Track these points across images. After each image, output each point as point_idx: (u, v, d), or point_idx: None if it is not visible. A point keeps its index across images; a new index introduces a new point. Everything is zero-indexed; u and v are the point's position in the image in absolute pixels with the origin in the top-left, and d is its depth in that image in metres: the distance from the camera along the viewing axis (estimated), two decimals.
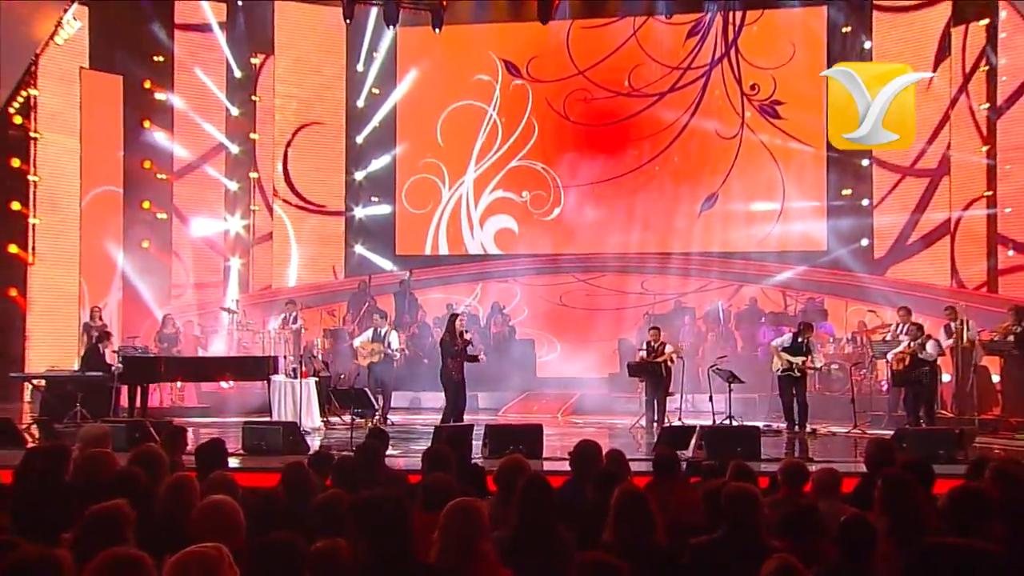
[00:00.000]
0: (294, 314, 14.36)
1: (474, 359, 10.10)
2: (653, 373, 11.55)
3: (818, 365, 11.26)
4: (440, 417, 9.87)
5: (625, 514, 3.59)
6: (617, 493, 3.71)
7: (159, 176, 15.06)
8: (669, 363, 11.58)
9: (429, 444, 7.18)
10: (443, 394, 14.38)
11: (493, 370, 14.65)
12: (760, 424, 10.62)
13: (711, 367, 11.58)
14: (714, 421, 10.86)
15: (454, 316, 10.20)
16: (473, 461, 6.21)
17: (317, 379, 11.83)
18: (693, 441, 8.68)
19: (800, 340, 11.05)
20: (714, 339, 15.04)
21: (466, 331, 10.12)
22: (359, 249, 17.44)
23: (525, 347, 15.73)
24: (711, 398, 11.20)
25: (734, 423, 10.71)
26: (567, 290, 17.33)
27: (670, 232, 16.78)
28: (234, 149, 15.88)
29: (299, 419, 10.65)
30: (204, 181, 15.63)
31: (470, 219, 17.46)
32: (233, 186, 15.86)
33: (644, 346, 11.99)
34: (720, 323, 15.10)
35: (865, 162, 14.67)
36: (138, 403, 11.23)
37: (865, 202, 15.00)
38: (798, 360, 11.01)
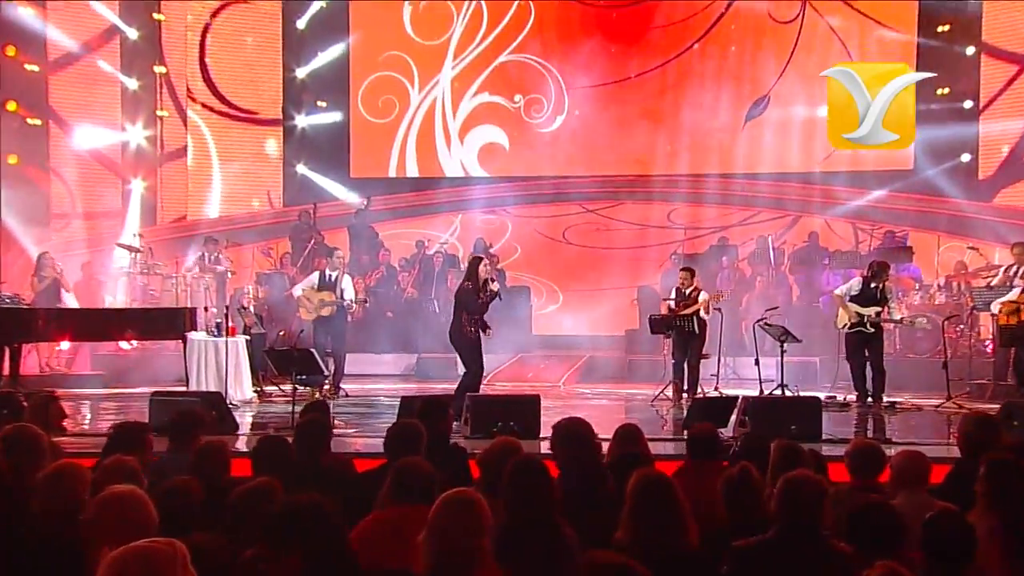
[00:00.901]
0: (217, 254, 14.49)
1: (486, 327, 10.17)
2: (683, 329, 11.69)
3: (897, 317, 11.32)
4: (458, 386, 10.01)
5: (645, 507, 3.60)
6: (634, 480, 3.73)
7: (28, 68, 14.26)
8: (703, 316, 11.74)
9: (395, 419, 7.32)
10: (416, 358, 14.86)
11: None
12: (822, 395, 10.71)
13: (758, 322, 11.75)
14: (761, 391, 11.01)
15: (477, 259, 10.16)
16: (452, 441, 6.25)
17: (248, 338, 11.98)
18: (734, 417, 8.82)
19: (873, 286, 11.09)
20: (762, 286, 15.08)
21: (493, 279, 10.16)
22: (302, 170, 17.50)
23: (518, 297, 15.96)
24: (757, 362, 11.36)
25: (787, 393, 10.86)
26: (572, 223, 17.40)
27: (706, 147, 16.76)
28: (132, 34, 15.44)
29: (225, 389, 10.70)
30: (92, 76, 14.99)
31: (447, 131, 17.48)
32: (132, 84, 15.49)
33: (671, 294, 12.16)
34: (770, 265, 15.34)
35: (970, 50, 14.44)
36: (6, 369, 11.15)
37: (968, 104, 14.82)
38: (870, 311, 11.08)
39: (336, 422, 9.34)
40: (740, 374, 13.09)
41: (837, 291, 11.51)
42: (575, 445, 4.82)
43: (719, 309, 12.04)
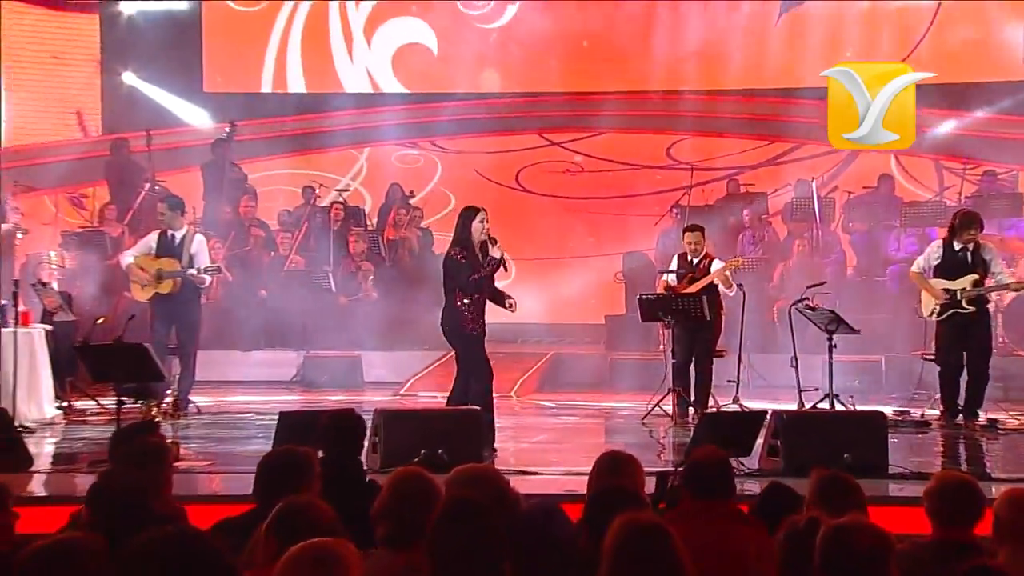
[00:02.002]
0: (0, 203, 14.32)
1: (501, 300, 10.17)
2: (689, 315, 11.79)
3: (1009, 281, 11.55)
4: (449, 396, 10.28)
5: (628, 567, 3.71)
6: (615, 529, 3.83)
7: None
8: (720, 293, 12.07)
9: (271, 445, 7.48)
10: (300, 358, 15.06)
11: (391, 311, 15.03)
12: (889, 410, 10.90)
13: (797, 303, 11.87)
14: (801, 404, 11.21)
15: (470, 213, 9.98)
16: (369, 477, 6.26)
17: (50, 328, 11.98)
18: (761, 441, 8.97)
19: (959, 247, 11.31)
20: (803, 252, 15.40)
21: (494, 241, 10.07)
22: (130, 80, 17.44)
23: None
24: (795, 361, 11.51)
25: (839, 407, 11.01)
26: (529, 162, 17.62)
27: (724, 52, 16.87)
28: None
29: (12, 404, 10.54)
30: None
31: (346, 27, 17.63)
32: None
33: (672, 265, 12.39)
34: (815, 221, 15.55)
35: None
36: None
37: None
38: (963, 283, 11.25)
39: (182, 451, 9.40)
40: (770, 379, 13.27)
41: (914, 267, 11.76)
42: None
43: (741, 286, 12.08)
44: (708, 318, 11.77)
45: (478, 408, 9.63)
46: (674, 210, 16.10)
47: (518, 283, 16.01)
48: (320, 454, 5.63)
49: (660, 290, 12.38)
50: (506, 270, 10.31)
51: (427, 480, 4.60)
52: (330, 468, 5.56)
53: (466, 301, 10.00)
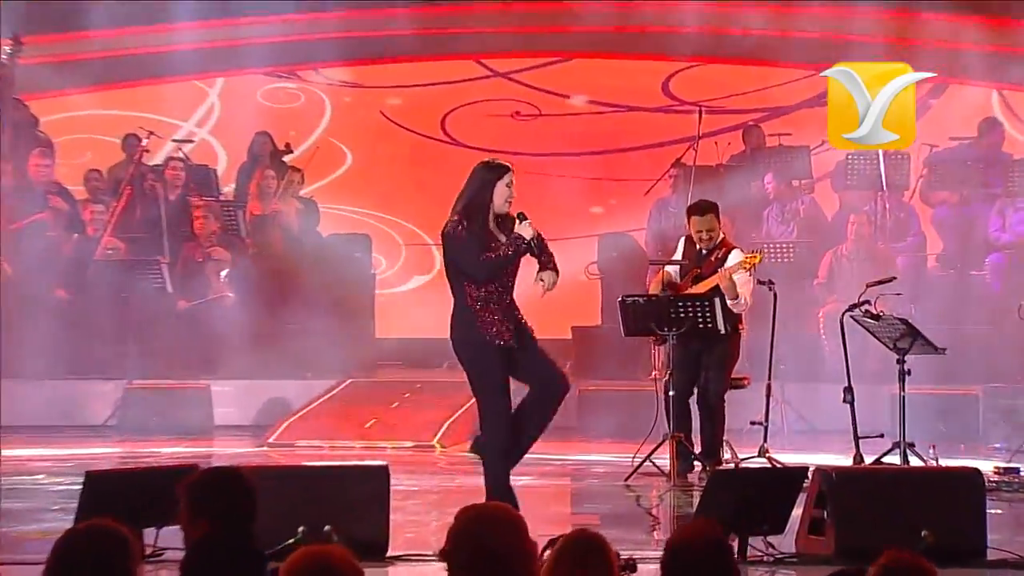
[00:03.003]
0: None
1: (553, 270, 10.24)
2: (695, 324, 11.92)
3: None
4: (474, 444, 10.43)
5: None
6: None
7: None
8: (740, 299, 12.07)
9: (74, 518, 7.65)
10: (120, 390, 15.04)
11: (255, 321, 15.22)
12: (988, 465, 10.94)
13: (852, 309, 12.02)
14: (858, 456, 11.37)
15: (493, 169, 9.88)
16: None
17: None
18: (799, 510, 9.06)
19: None
20: (861, 234, 15.45)
21: (523, 217, 9.91)
22: None
23: (343, 254, 16.24)
24: (850, 394, 11.70)
25: (915, 461, 11.17)
26: (459, 100, 18.04)
27: None
28: None
29: None
30: None
31: None
32: None
33: (678, 252, 12.61)
34: (879, 189, 15.79)
35: None
36: None
37: None
38: None
39: None
40: (814, 421, 13.46)
41: None
42: None
43: (770, 284, 12.35)
44: (722, 331, 11.87)
45: (383, 464, 9.64)
46: (673, 172, 16.12)
47: (439, 283, 16.46)
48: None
49: (653, 290, 12.39)
50: (541, 258, 10.32)
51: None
52: (209, 553, 5.58)
53: (480, 295, 10.07)
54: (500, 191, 10.07)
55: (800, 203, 15.93)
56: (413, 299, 17.42)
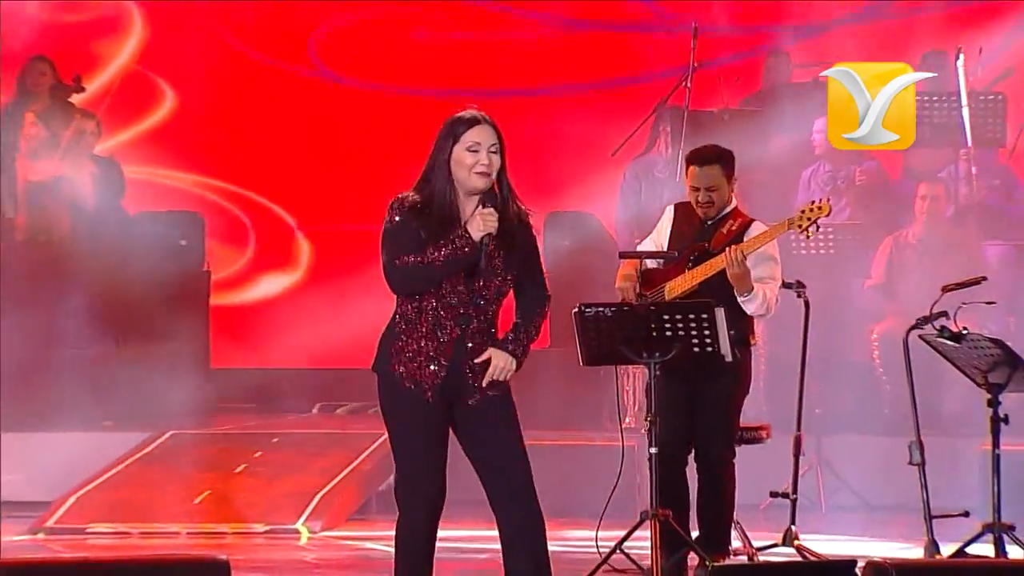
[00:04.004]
0: None
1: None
2: (688, 344, 11.89)
3: None
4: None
5: None
6: None
7: None
8: (755, 295, 12.23)
9: None
10: None
11: (28, 346, 15.23)
12: None
13: (921, 324, 12.31)
14: (931, 545, 11.57)
15: (455, 125, 9.84)
16: None
17: None
18: None
19: None
20: (935, 212, 15.66)
21: (485, 202, 9.81)
22: None
23: (161, 242, 16.44)
24: (919, 452, 11.99)
25: (1012, 549, 11.37)
26: (330, 13, 18.32)
27: None
28: None
29: None
30: None
31: None
32: None
33: (663, 233, 12.85)
34: (962, 144, 15.93)
35: None
36: None
37: None
38: None
39: None
40: (862, 490, 13.65)
41: None
42: None
43: (798, 288, 12.58)
44: (728, 356, 11.82)
45: (222, 559, 9.12)
46: (658, 121, 16.39)
47: (310, 287, 17.14)
48: None
49: (621, 287, 12.37)
50: (489, 258, 9.87)
51: None
52: None
53: (409, 314, 9.94)
54: (460, 157, 9.92)
55: (858, 168, 16.25)
56: (268, 311, 17.80)
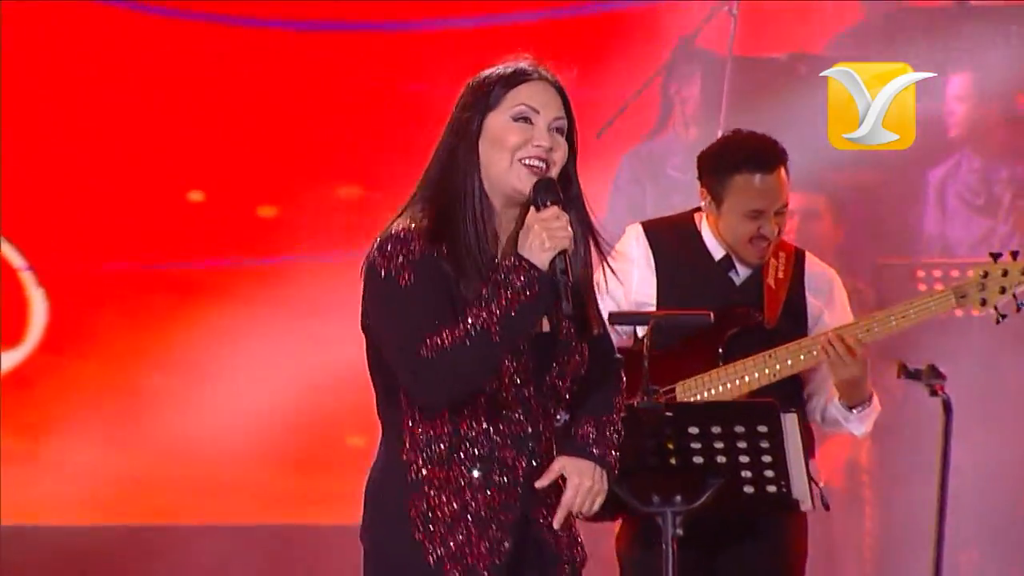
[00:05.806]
0: None
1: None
2: (739, 489, 10.56)
3: None
4: None
5: None
6: None
7: None
8: (864, 410, 11.06)
9: None
10: None
11: None
12: None
13: None
14: None
15: (476, 85, 8.45)
16: None
17: None
18: None
19: None
20: None
21: (543, 191, 8.43)
22: None
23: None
24: None
25: None
26: None
27: None
28: None
29: None
30: None
31: None
32: None
33: (632, 283, 12.06)
34: None
35: None
36: None
37: None
38: None
39: None
40: None
41: None
42: None
43: (933, 384, 11.14)
44: (805, 501, 10.07)
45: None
46: (672, 79, 15.45)
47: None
48: None
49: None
50: (572, 310, 7.72)
51: None
52: None
53: (428, 437, 7.75)
54: (497, 133, 7.72)
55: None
56: None
